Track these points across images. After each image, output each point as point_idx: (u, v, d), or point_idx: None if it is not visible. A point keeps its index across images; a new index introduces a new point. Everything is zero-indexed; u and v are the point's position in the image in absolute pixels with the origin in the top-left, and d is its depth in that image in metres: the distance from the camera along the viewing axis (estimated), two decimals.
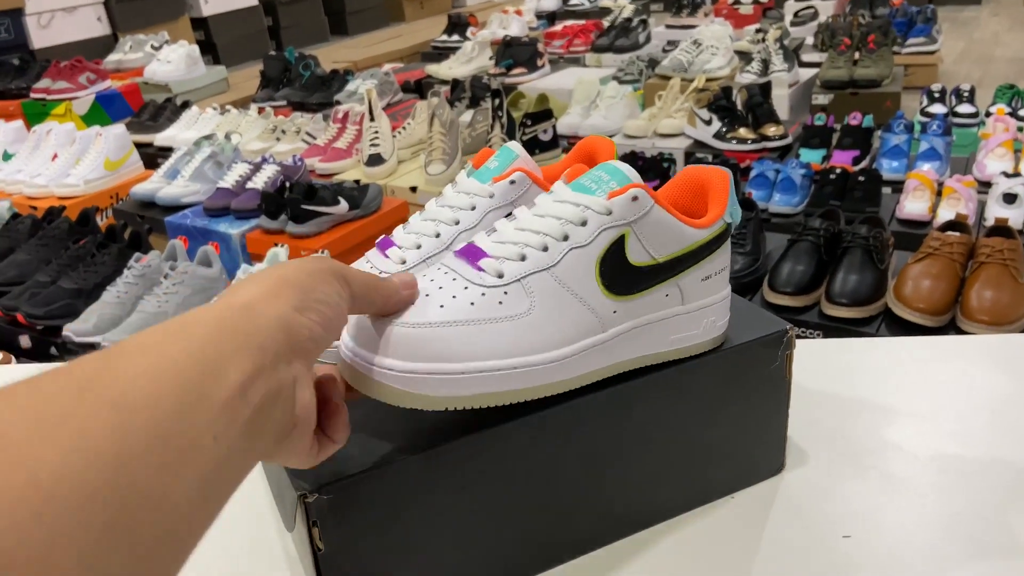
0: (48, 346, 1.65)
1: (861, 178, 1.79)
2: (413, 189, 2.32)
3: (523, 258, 0.44)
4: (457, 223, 0.53)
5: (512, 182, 0.53)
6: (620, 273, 0.46)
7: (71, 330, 1.54)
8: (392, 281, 0.42)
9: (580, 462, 0.50)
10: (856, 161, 2.05)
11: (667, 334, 0.49)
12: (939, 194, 1.77)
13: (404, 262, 0.51)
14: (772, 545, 0.52)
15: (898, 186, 1.90)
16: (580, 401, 0.48)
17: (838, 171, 1.83)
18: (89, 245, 1.76)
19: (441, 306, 0.42)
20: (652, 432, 0.51)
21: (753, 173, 1.93)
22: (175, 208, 2.30)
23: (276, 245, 1.73)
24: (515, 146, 0.55)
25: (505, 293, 0.43)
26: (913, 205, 1.72)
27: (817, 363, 0.69)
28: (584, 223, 0.45)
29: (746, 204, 1.60)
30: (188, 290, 1.56)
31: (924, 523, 0.53)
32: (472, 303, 0.43)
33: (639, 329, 0.48)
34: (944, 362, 0.70)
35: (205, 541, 0.51)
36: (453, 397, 0.42)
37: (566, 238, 0.45)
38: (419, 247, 0.51)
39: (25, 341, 1.69)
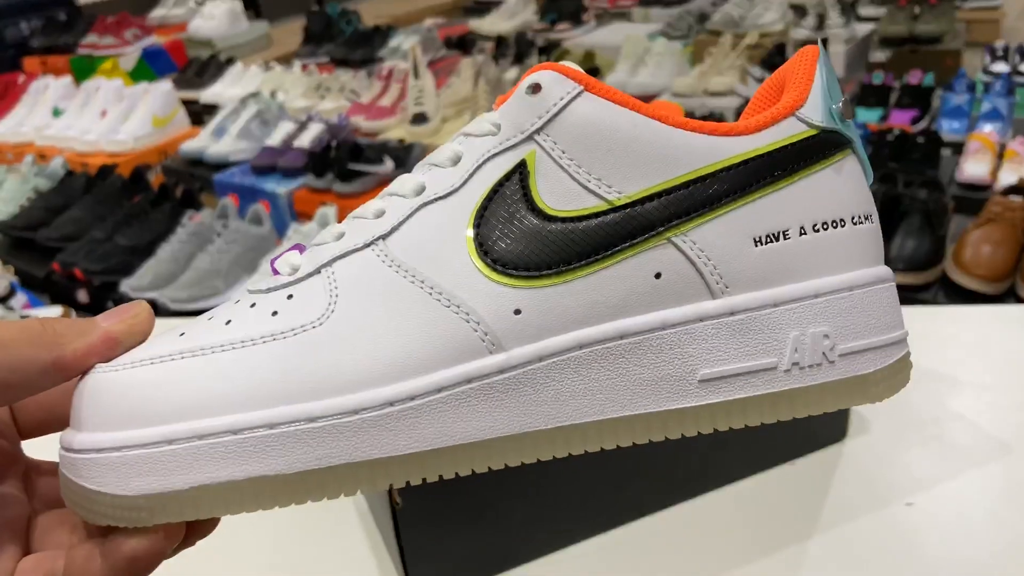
0: (105, 301, 1.70)
1: (920, 139, 1.73)
2: None
3: (340, 236, 0.28)
4: None
5: None
6: (527, 234, 0.26)
7: (128, 286, 1.58)
8: (80, 323, 0.26)
9: None
10: (915, 121, 1.99)
11: (676, 362, 0.27)
12: (1000, 156, 1.71)
13: None
14: (834, 511, 0.52)
15: (958, 148, 1.84)
16: None
17: (896, 132, 1.78)
18: (143, 203, 1.79)
19: (181, 334, 0.27)
20: None
21: None
22: (222, 165, 2.33)
23: (323, 204, 1.75)
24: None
25: (289, 297, 0.27)
26: (974, 168, 1.66)
27: None
28: (457, 160, 0.28)
29: None
30: (240, 248, 1.59)
31: (986, 492, 0.52)
32: (228, 322, 0.27)
33: (593, 352, 0.26)
34: (1008, 331, 0.69)
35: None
36: (156, 494, 0.24)
37: (421, 190, 0.28)
38: None
39: (83, 296, 1.74)
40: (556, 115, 0.26)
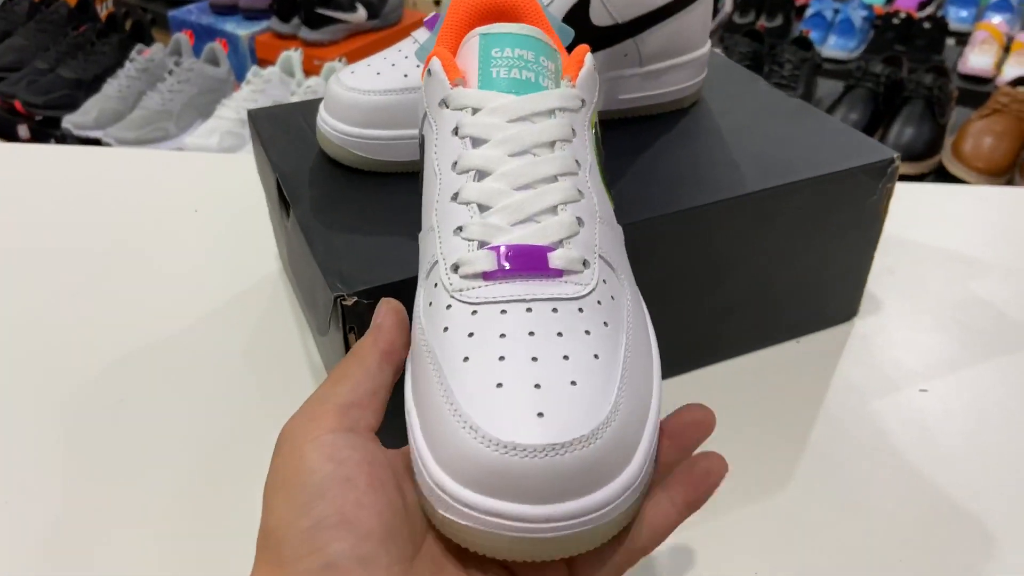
0: (47, 137, 1.57)
1: (926, 25, 1.64)
2: (437, 2, 2.15)
3: None
4: None
5: None
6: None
7: (71, 122, 1.45)
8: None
9: (648, 288, 0.44)
10: (922, 6, 1.88)
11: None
12: (1007, 49, 1.63)
13: None
14: (840, 394, 0.47)
15: (963, 38, 1.75)
16: (657, 219, 0.41)
17: (902, 16, 1.68)
18: (89, 33, 1.64)
19: None
20: (730, 260, 0.45)
21: (810, 11, 1.77)
22: (178, 1, 2.14)
23: (289, 50, 1.61)
24: None
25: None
26: (978, 59, 1.58)
27: (897, 207, 0.62)
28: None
29: (802, 44, 1.47)
30: (194, 89, 1.46)
31: (1005, 382, 0.48)
32: None
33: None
34: None
35: (226, 348, 0.44)
36: None
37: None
38: None
39: (24, 131, 1.60)
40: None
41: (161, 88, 1.44)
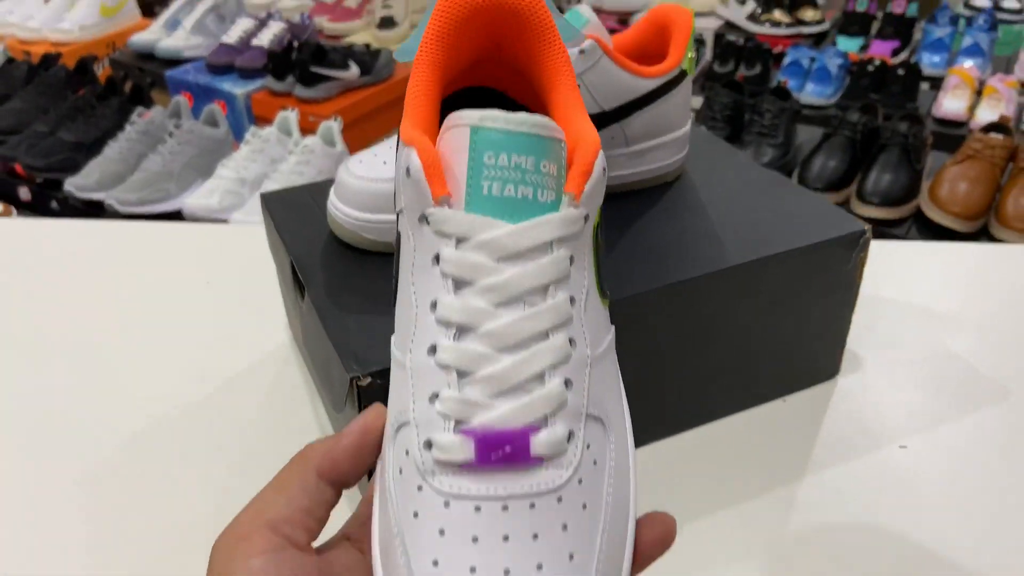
0: (48, 200, 1.60)
1: (900, 71, 1.70)
2: None
3: None
4: None
5: (582, 51, 0.47)
6: None
7: (73, 185, 1.49)
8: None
9: (639, 356, 0.47)
10: (895, 52, 1.95)
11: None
12: (979, 93, 1.69)
13: None
14: (825, 449, 0.50)
15: (936, 82, 1.81)
16: (646, 293, 0.45)
17: (876, 63, 1.74)
18: (89, 96, 1.68)
19: None
20: (716, 330, 0.49)
21: (787, 60, 1.83)
22: (175, 62, 2.19)
23: (284, 108, 1.66)
24: (586, 10, 0.49)
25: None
26: (951, 103, 1.64)
27: (871, 266, 0.66)
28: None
29: (780, 94, 1.52)
30: (194, 150, 1.50)
31: (982, 436, 0.51)
32: None
33: None
34: (1003, 269, 0.67)
35: (239, 420, 0.46)
36: None
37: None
38: None
39: (25, 193, 1.64)
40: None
41: (162, 150, 1.48)
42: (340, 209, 0.49)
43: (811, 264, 0.49)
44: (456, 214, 0.26)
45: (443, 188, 0.26)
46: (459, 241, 0.26)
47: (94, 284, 0.68)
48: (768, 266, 0.47)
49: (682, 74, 0.52)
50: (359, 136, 1.99)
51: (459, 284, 0.25)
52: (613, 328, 0.30)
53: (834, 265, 0.50)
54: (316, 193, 0.55)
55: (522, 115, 0.26)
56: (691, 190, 0.55)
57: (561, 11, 0.45)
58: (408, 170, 0.26)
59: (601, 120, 0.51)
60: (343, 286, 0.46)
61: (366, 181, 0.48)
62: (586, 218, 0.27)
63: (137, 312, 0.64)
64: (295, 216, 0.53)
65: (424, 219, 0.26)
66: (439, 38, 0.29)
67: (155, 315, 0.64)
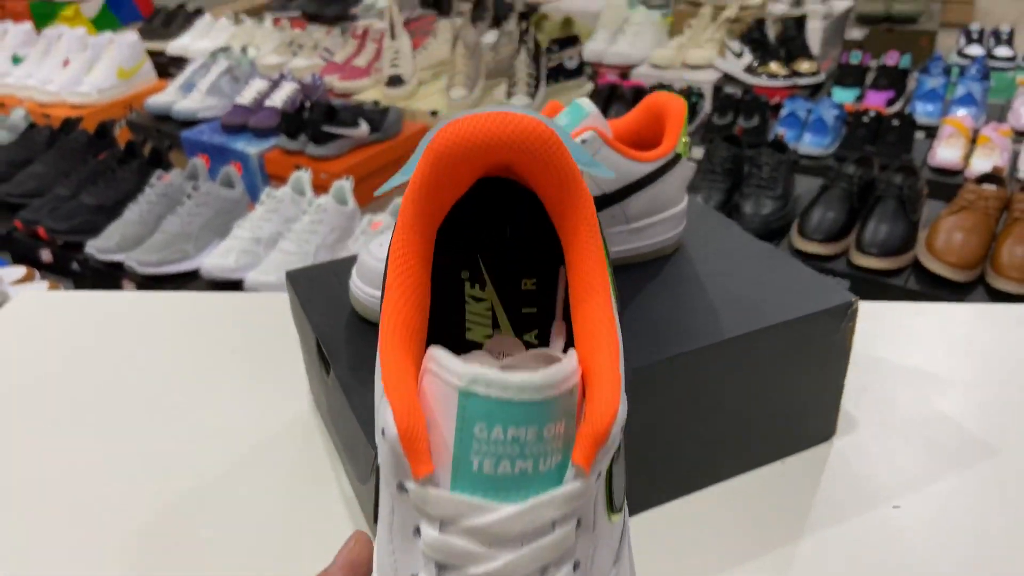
0: (69, 261, 1.65)
1: (895, 122, 1.75)
2: (434, 113, 2.27)
3: None
4: None
5: (583, 141, 0.51)
6: None
7: (95, 247, 1.54)
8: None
9: (642, 426, 0.50)
10: (890, 103, 2.00)
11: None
12: (974, 142, 1.74)
13: None
14: (823, 510, 0.53)
15: (931, 131, 1.86)
16: (647, 366, 0.48)
17: (872, 114, 1.79)
18: (109, 160, 1.74)
19: None
20: (715, 398, 0.52)
21: (784, 112, 1.89)
22: (190, 122, 2.26)
23: (298, 168, 1.71)
24: (586, 103, 0.53)
25: None
26: (946, 152, 1.69)
27: (865, 327, 0.69)
28: None
29: (778, 147, 1.57)
30: (211, 211, 1.55)
31: (972, 495, 0.54)
32: None
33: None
34: (992, 329, 0.70)
35: (265, 486, 0.47)
36: None
37: None
38: None
39: (46, 255, 1.69)
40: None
41: (180, 211, 1.53)
42: (361, 288, 0.53)
43: (803, 334, 0.52)
44: (440, 494, 0.22)
45: (425, 465, 0.22)
46: (444, 524, 0.22)
47: (123, 353, 0.72)
48: (762, 337, 0.51)
49: (677, 157, 0.56)
50: (370, 191, 2.05)
51: (444, 568, 0.22)
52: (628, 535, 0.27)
53: (825, 334, 0.53)
54: (339, 271, 0.59)
55: (522, 378, 0.21)
56: (688, 263, 0.58)
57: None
58: (384, 431, 0.23)
59: (602, 202, 0.54)
60: (367, 363, 0.50)
61: (385, 263, 0.52)
62: (598, 476, 0.23)
63: (164, 380, 0.68)
64: (319, 293, 0.57)
65: (402, 488, 0.23)
66: (426, 189, 0.25)
67: (182, 383, 0.67)
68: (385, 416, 0.22)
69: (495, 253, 0.33)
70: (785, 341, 0.52)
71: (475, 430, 0.21)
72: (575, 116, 0.53)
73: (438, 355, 0.22)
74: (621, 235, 0.57)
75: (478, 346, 0.32)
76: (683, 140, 0.56)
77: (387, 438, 0.22)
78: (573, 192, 0.27)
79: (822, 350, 0.54)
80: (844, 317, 0.53)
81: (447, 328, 0.32)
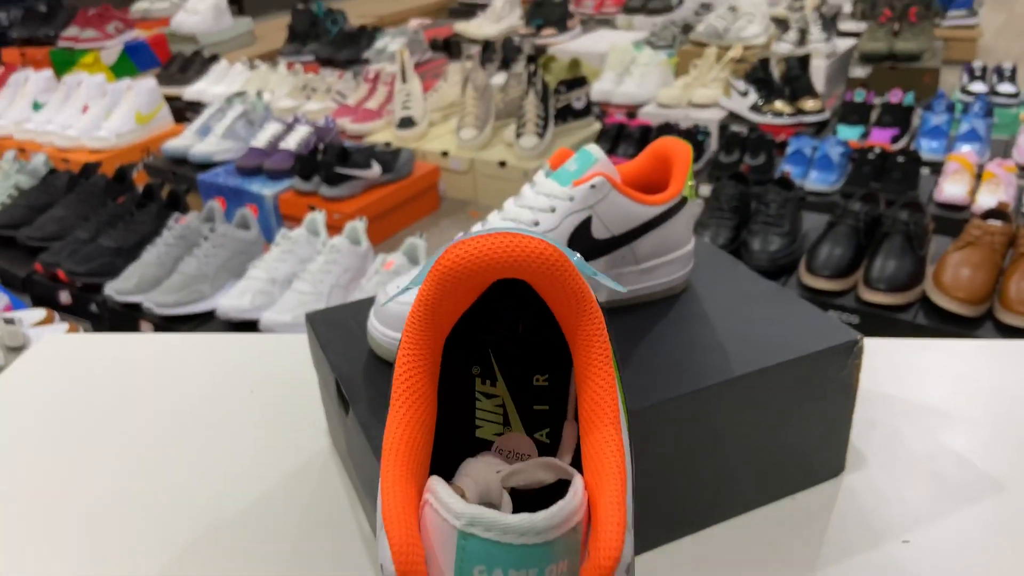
0: (88, 303, 1.68)
1: (900, 159, 1.77)
2: (444, 154, 2.31)
3: None
4: (536, 224, 0.54)
5: (592, 186, 0.53)
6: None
7: (113, 289, 1.57)
8: None
9: (653, 463, 0.51)
10: (895, 140, 2.03)
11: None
12: (979, 178, 1.76)
13: None
14: (832, 547, 0.53)
15: (936, 167, 1.88)
16: (658, 404, 0.49)
17: (877, 151, 1.81)
18: (128, 203, 1.78)
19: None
20: (725, 435, 0.53)
21: (790, 149, 1.91)
22: (206, 165, 2.31)
23: (311, 209, 1.75)
24: (595, 149, 0.55)
25: None
26: (952, 188, 1.70)
27: (872, 363, 0.70)
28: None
29: (785, 184, 1.59)
30: (227, 253, 1.58)
31: (980, 530, 0.54)
32: None
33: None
34: (998, 366, 0.71)
35: (284, 526, 0.47)
36: None
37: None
38: None
39: (65, 297, 1.72)
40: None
41: (197, 253, 1.56)
42: (379, 330, 0.55)
43: (810, 371, 0.53)
44: None
45: None
46: None
47: (146, 394, 0.73)
48: (770, 375, 0.52)
49: (683, 200, 0.58)
50: (382, 230, 2.08)
51: None
52: None
53: (831, 372, 0.54)
54: (357, 312, 0.61)
55: (522, 520, 0.21)
56: (696, 302, 0.60)
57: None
58: (383, 567, 0.22)
59: (613, 244, 0.56)
60: (385, 401, 0.51)
61: (403, 305, 0.54)
62: None
63: (185, 420, 0.69)
64: (338, 335, 0.59)
65: None
66: (432, 306, 0.25)
67: (202, 423, 0.69)
68: (384, 552, 0.22)
69: (507, 350, 0.32)
70: (793, 378, 0.53)
71: (474, 572, 0.21)
72: (584, 163, 0.55)
73: (439, 491, 0.22)
74: (630, 275, 0.58)
75: (488, 444, 0.31)
76: (689, 184, 0.58)
77: (386, 574, 0.22)
78: (584, 312, 0.27)
79: (829, 387, 0.55)
80: (850, 354, 0.54)
81: (457, 426, 0.31)
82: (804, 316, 0.57)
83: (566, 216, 0.53)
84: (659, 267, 0.59)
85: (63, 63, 3.36)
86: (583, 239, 0.55)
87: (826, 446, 0.58)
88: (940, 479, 0.58)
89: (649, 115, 2.39)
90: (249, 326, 1.49)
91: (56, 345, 0.84)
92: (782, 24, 2.94)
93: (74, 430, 0.69)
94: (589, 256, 0.56)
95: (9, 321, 1.34)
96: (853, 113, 2.15)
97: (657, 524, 0.54)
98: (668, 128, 2.12)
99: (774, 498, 0.57)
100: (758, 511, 0.56)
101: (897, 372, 0.70)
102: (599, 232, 0.55)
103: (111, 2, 3.72)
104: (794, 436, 0.56)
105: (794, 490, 0.57)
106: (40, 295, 1.76)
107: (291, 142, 2.21)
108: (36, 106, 2.78)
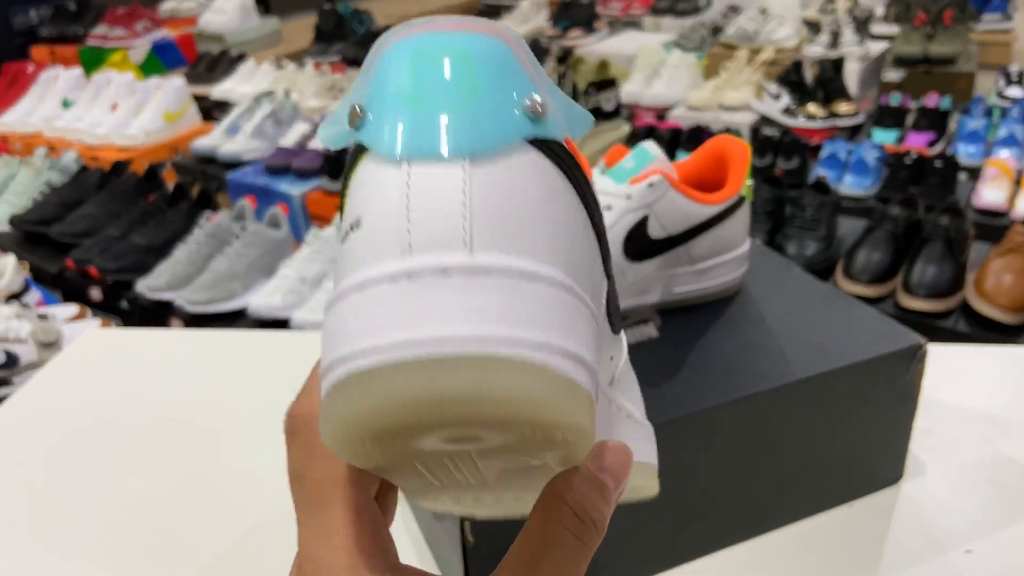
0: (118, 300, 1.69)
1: (938, 163, 1.74)
2: None
3: None
4: None
5: (651, 184, 0.52)
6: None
7: (145, 286, 1.57)
8: None
9: (711, 468, 0.50)
10: (931, 144, 2.00)
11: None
12: (1018, 183, 1.72)
13: None
14: (894, 556, 0.52)
15: (974, 172, 1.85)
16: (716, 407, 0.48)
17: (914, 155, 1.78)
18: (159, 201, 1.79)
19: None
20: (783, 441, 0.51)
21: (825, 153, 1.89)
22: (234, 164, 2.32)
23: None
24: (652, 147, 0.54)
25: None
26: (991, 194, 1.67)
27: (929, 366, 0.68)
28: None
29: (820, 188, 1.57)
30: (257, 251, 1.58)
31: None
32: None
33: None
34: None
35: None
36: None
37: None
38: None
39: (96, 294, 1.73)
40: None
41: (228, 251, 1.56)
42: None
43: (871, 377, 0.52)
44: None
45: None
46: None
47: (184, 390, 0.73)
48: (830, 380, 0.51)
49: (741, 200, 0.57)
50: None
51: None
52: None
53: (894, 377, 0.53)
54: None
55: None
56: (752, 304, 0.58)
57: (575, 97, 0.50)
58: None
59: (669, 244, 0.55)
60: None
61: None
62: None
63: (225, 416, 0.69)
64: None
65: None
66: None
67: (241, 419, 0.68)
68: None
69: None
70: (854, 384, 0.52)
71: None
72: (640, 160, 0.54)
73: None
74: (686, 276, 0.57)
75: None
76: (747, 183, 0.57)
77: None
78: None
79: (890, 393, 0.53)
80: (913, 359, 0.53)
81: None
82: (864, 319, 0.55)
83: (623, 215, 0.52)
84: (714, 268, 0.58)
85: (92, 61, 3.39)
86: (639, 239, 0.54)
87: (885, 453, 0.56)
88: (1001, 487, 0.57)
89: (679, 117, 2.37)
90: (280, 325, 1.49)
91: (98, 340, 0.84)
92: (814, 27, 2.91)
93: (118, 425, 0.69)
94: (644, 257, 0.54)
95: (43, 317, 1.34)
96: (888, 117, 2.12)
97: (712, 530, 0.52)
98: (699, 131, 2.10)
99: (832, 504, 0.55)
100: (816, 518, 0.55)
101: (951, 378, 0.68)
102: (655, 232, 0.54)
103: (139, 1, 3.75)
104: (853, 442, 0.54)
105: (851, 497, 0.56)
106: (71, 291, 1.77)
107: (319, 142, 2.22)
108: (65, 104, 2.80)
